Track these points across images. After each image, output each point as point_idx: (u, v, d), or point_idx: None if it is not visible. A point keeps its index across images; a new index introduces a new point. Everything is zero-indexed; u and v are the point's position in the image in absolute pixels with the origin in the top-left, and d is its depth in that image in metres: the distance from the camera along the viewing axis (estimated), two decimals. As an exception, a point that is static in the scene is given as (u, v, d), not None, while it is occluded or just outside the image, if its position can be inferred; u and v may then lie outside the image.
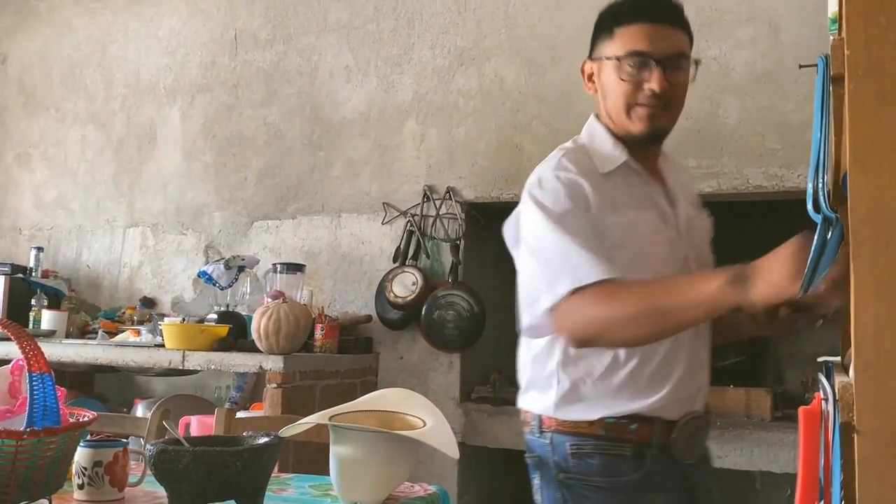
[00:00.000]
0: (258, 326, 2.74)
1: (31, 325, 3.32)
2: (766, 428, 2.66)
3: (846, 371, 1.00)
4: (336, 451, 1.35)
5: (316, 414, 1.42)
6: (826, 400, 0.98)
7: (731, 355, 3.18)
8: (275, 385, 2.66)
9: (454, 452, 1.38)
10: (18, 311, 3.38)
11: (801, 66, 1.18)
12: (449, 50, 3.30)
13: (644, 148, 1.48)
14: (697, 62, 1.44)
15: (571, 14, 3.09)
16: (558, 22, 3.12)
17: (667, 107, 1.42)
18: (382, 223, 3.32)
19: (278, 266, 3.09)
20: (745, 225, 3.30)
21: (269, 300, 2.88)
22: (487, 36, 3.24)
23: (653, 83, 1.39)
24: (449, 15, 3.31)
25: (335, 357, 2.98)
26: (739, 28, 2.85)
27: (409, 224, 3.24)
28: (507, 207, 3.21)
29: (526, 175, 3.17)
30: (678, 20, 1.41)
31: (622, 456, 1.37)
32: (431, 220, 3.21)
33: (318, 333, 2.96)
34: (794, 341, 3.23)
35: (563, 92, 3.08)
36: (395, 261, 3.21)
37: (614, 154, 1.48)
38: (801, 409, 1.07)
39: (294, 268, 3.07)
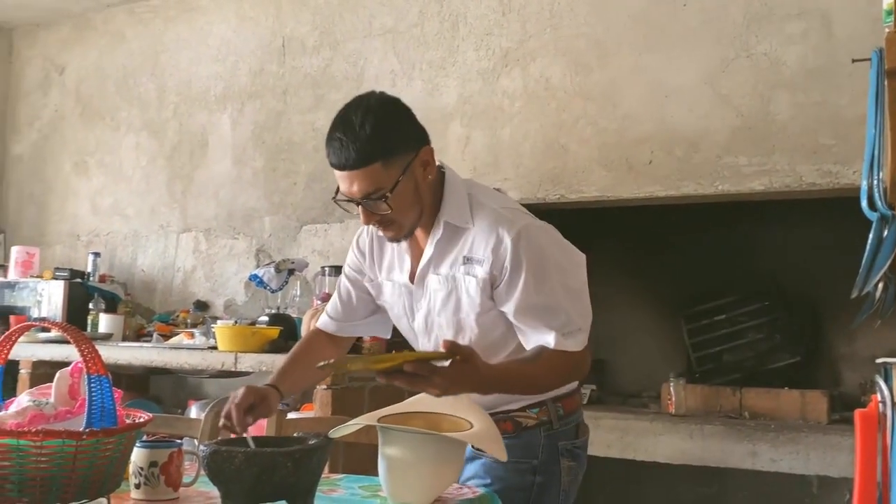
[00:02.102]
0: (308, 328, 2.77)
1: (89, 329, 3.41)
2: (823, 431, 2.59)
3: (904, 373, 0.98)
4: (385, 453, 1.36)
5: (365, 415, 1.43)
6: (883, 402, 0.95)
7: (785, 357, 3.12)
8: (325, 387, 2.68)
9: (502, 454, 1.37)
10: (77, 315, 3.47)
11: (853, 61, 1.16)
12: (493, 51, 3.30)
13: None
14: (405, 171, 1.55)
15: (618, 12, 3.07)
16: (604, 20, 3.09)
17: (385, 226, 1.59)
18: (429, 225, 3.33)
19: (327, 269, 3.12)
20: (797, 224, 3.24)
21: (319, 302, 2.91)
22: (532, 36, 3.23)
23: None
24: (493, 16, 3.31)
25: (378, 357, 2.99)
26: (790, 22, 2.79)
27: (455, 226, 3.24)
28: (552, 208, 3.21)
29: (572, 175, 3.15)
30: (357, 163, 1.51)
31: None
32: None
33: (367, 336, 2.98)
34: (852, 342, 3.15)
35: (610, 91, 3.05)
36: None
37: None
38: (857, 412, 1.04)
39: (342, 270, 3.10)
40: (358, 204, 1.55)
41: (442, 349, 1.38)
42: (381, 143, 1.51)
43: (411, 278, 1.68)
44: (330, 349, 1.87)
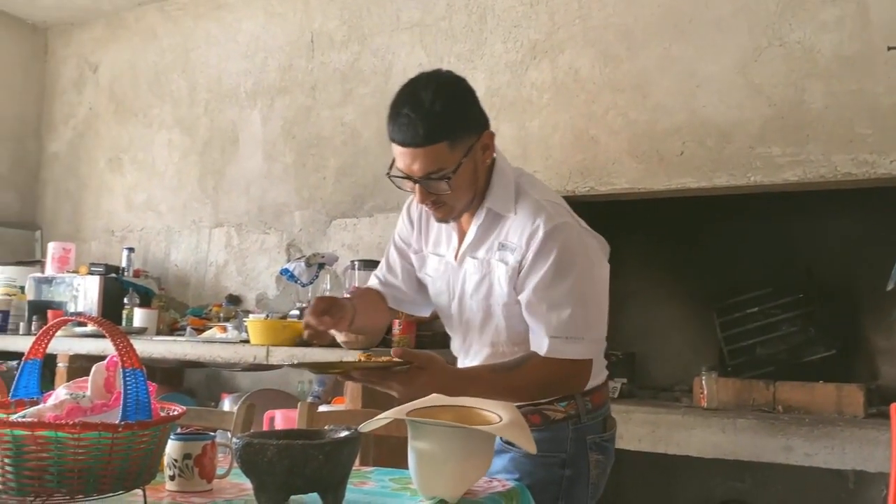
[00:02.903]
0: (338, 323, 2.79)
1: (123, 323, 3.46)
2: (859, 425, 2.55)
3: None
4: (414, 446, 1.36)
5: (394, 409, 1.43)
6: (921, 396, 0.93)
7: (820, 350, 3.07)
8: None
9: (531, 447, 1.37)
10: (112, 310, 3.52)
11: (889, 49, 1.13)
12: (522, 43, 3.28)
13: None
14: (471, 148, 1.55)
15: (647, 1, 3.03)
16: (633, 10, 3.06)
17: (437, 206, 1.59)
18: (458, 219, 3.33)
19: (356, 263, 3.13)
20: (832, 215, 3.18)
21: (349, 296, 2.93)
22: (561, 27, 3.21)
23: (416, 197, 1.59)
24: (521, 8, 3.29)
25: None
26: (824, 9, 2.74)
27: (484, 219, 3.23)
28: (582, 201, 3.19)
29: (602, 167, 3.13)
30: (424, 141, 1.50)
31: None
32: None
33: (396, 328, 2.99)
34: (890, 335, 3.09)
35: (640, 82, 3.02)
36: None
37: None
38: (893, 406, 1.02)
39: (371, 264, 3.11)
40: (415, 182, 1.54)
41: (394, 356, 1.41)
42: (449, 123, 1.49)
43: (456, 257, 1.68)
44: (385, 308, 1.86)
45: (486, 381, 1.55)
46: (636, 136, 3.02)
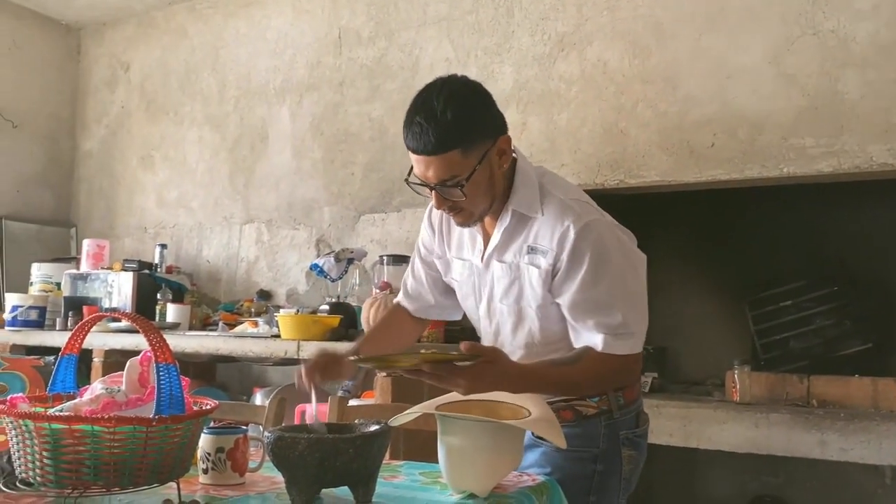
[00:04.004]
0: (367, 317, 2.80)
1: (157, 319, 3.51)
2: (897, 420, 2.50)
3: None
4: (444, 441, 1.36)
5: (423, 403, 1.43)
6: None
7: (856, 343, 3.02)
8: (385, 374, 2.71)
9: (561, 441, 1.37)
10: (145, 306, 3.57)
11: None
12: (549, 36, 3.27)
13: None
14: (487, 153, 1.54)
15: (676, -8, 3.00)
16: (663, 1, 3.02)
17: (455, 212, 1.58)
18: (486, 213, 3.32)
19: (385, 258, 3.15)
20: (867, 206, 3.12)
21: (378, 291, 2.94)
22: (589, 19, 3.18)
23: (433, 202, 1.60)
24: (549, 0, 3.27)
25: (442, 346, 3.01)
26: (860, -4, 2.68)
27: (512, 213, 3.22)
28: (611, 194, 3.16)
29: (631, 160, 3.11)
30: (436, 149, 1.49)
31: None
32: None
33: (425, 323, 2.99)
34: (927, 328, 3.03)
35: (669, 73, 2.99)
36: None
37: None
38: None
39: (400, 259, 3.12)
40: (431, 189, 1.54)
41: (462, 350, 1.38)
42: (461, 131, 1.49)
43: (482, 260, 1.67)
44: (410, 323, 1.90)
45: (548, 375, 1.55)
46: (666, 128, 2.99)
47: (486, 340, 1.74)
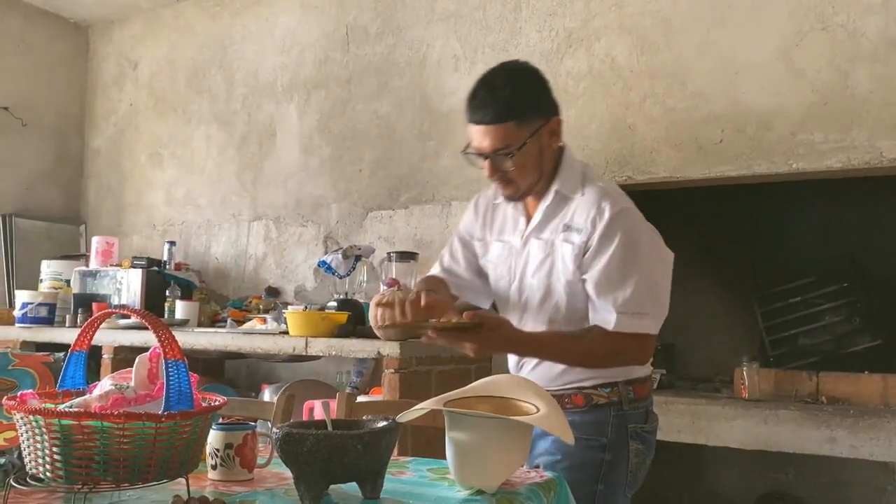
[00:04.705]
0: (374, 314, 2.79)
1: (165, 315, 3.52)
2: (907, 417, 2.49)
3: None
4: (452, 437, 1.37)
5: (431, 399, 1.43)
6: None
7: (865, 340, 3.00)
8: (392, 370, 2.71)
9: (569, 438, 1.37)
10: (154, 302, 3.58)
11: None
12: (557, 32, 3.26)
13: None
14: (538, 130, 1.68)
15: (684, -12, 2.98)
16: (670, -3, 3.01)
17: (505, 183, 1.72)
18: (494, 210, 3.32)
19: (392, 255, 3.15)
20: (877, 202, 3.11)
21: (385, 288, 2.94)
22: (597, 15, 3.17)
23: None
24: (556, -3, 3.27)
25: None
26: (869, -9, 2.67)
27: (520, 210, 3.22)
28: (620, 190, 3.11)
29: (639, 156, 3.10)
30: (494, 119, 1.65)
31: None
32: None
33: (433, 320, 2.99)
34: (938, 324, 3.01)
35: (677, 69, 2.98)
36: (507, 247, 3.20)
37: None
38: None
39: (407, 256, 3.12)
40: (485, 158, 1.67)
41: (465, 319, 1.54)
42: (517, 105, 1.65)
43: (522, 238, 1.79)
44: (447, 290, 1.94)
45: (553, 344, 1.68)
46: (674, 124, 2.98)
47: (513, 317, 1.80)
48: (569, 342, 1.67)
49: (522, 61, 1.75)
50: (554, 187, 1.72)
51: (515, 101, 1.64)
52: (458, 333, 1.56)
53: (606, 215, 1.64)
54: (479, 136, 1.66)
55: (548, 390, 1.63)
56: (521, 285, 1.77)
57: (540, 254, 1.73)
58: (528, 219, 1.79)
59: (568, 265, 1.68)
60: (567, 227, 1.70)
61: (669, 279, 1.74)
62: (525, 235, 1.77)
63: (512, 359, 1.85)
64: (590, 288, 1.65)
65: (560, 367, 1.73)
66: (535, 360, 1.77)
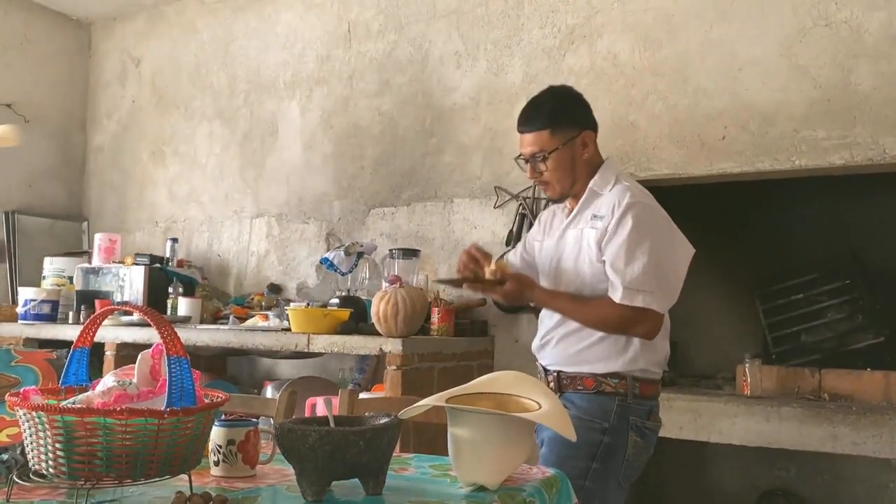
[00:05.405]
0: (377, 310, 2.80)
1: (168, 312, 3.52)
2: (909, 414, 2.49)
3: None
4: (454, 433, 1.37)
5: (433, 396, 1.44)
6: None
7: (868, 337, 3.00)
8: (394, 367, 2.72)
9: (571, 435, 1.37)
10: (157, 299, 3.59)
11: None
12: (559, 29, 3.25)
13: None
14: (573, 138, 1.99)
15: (687, -16, 2.98)
16: (673, -7, 3.01)
17: (543, 184, 2.04)
18: (494, 207, 3.33)
19: (394, 251, 3.15)
20: (880, 199, 3.10)
21: (387, 285, 2.94)
22: (599, 12, 3.17)
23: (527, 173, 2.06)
24: (559, -7, 3.26)
25: (452, 340, 3.02)
26: (873, -13, 2.66)
27: (521, 207, 3.23)
28: (622, 187, 3.09)
29: (642, 153, 3.11)
30: (532, 128, 1.98)
31: None
32: (544, 202, 3.18)
33: (435, 317, 3.00)
34: (940, 321, 3.01)
35: (680, 66, 2.98)
36: (507, 244, 3.21)
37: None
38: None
39: (409, 253, 3.13)
40: (526, 161, 1.99)
41: (493, 270, 1.95)
42: (551, 116, 1.96)
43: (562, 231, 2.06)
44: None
45: (566, 300, 1.94)
46: (677, 121, 2.97)
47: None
48: (578, 301, 1.92)
49: (567, 85, 2.09)
50: (589, 185, 1.98)
51: (551, 113, 1.96)
52: (486, 286, 1.97)
53: (625, 204, 1.87)
54: (523, 142, 1.99)
55: (563, 371, 1.95)
56: (557, 269, 2.02)
57: (572, 241, 1.98)
58: (569, 215, 2.06)
59: (592, 248, 1.91)
60: (594, 217, 1.94)
61: (683, 269, 1.95)
62: (563, 228, 2.03)
63: (536, 339, 2.08)
64: (607, 265, 1.87)
65: (577, 348, 1.93)
66: (557, 339, 1.98)
